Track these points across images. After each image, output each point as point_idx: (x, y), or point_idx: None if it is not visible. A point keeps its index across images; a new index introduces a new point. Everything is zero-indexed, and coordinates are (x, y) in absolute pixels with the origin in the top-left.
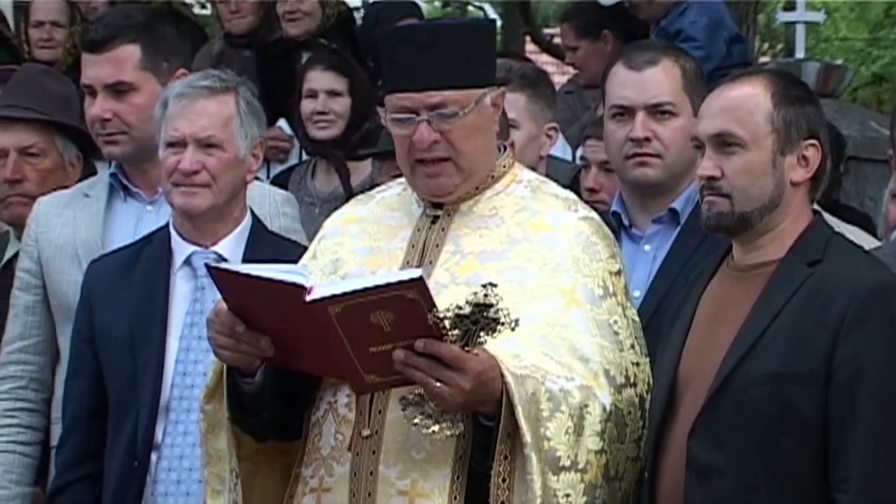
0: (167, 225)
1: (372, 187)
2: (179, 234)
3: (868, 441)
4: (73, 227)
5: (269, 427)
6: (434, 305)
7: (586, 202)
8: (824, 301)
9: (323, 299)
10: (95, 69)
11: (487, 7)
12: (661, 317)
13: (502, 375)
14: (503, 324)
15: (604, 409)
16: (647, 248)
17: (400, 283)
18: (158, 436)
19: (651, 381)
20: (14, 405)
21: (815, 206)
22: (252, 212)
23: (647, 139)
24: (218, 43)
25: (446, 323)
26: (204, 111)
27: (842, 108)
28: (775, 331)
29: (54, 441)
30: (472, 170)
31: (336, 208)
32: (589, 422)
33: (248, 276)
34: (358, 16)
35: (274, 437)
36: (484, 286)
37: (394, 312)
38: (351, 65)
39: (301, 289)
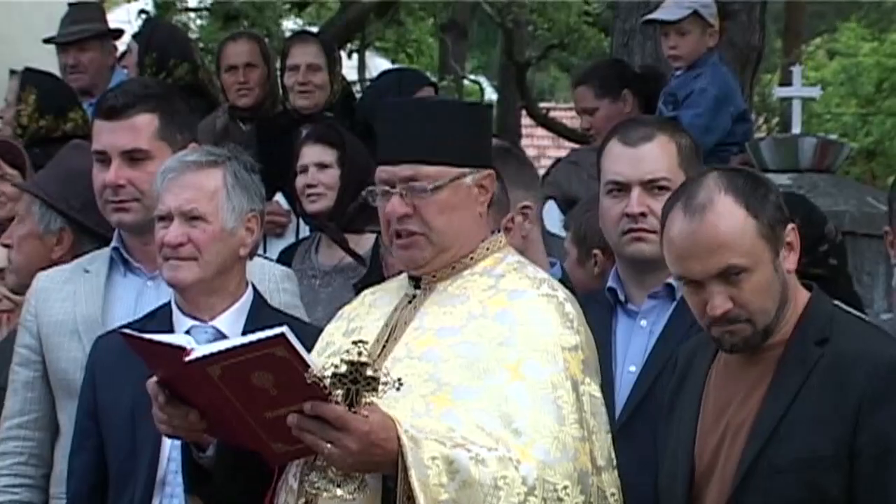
0: (171, 301)
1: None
2: (180, 309)
3: None
4: (74, 302)
5: (237, 501)
6: (307, 365)
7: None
8: (840, 381)
9: (198, 359)
10: (112, 136)
11: (483, 80)
12: (658, 392)
13: (399, 438)
14: (385, 383)
15: (524, 481)
16: (643, 323)
17: (267, 339)
18: None
19: (613, 455)
20: (14, 481)
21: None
22: (254, 287)
23: (643, 214)
24: (222, 117)
25: (326, 383)
26: (189, 184)
27: (838, 183)
28: (794, 416)
29: None
30: (444, 245)
31: (336, 282)
32: (505, 493)
33: (142, 339)
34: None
35: None
36: (355, 343)
37: (272, 373)
38: (341, 136)
39: (181, 350)
